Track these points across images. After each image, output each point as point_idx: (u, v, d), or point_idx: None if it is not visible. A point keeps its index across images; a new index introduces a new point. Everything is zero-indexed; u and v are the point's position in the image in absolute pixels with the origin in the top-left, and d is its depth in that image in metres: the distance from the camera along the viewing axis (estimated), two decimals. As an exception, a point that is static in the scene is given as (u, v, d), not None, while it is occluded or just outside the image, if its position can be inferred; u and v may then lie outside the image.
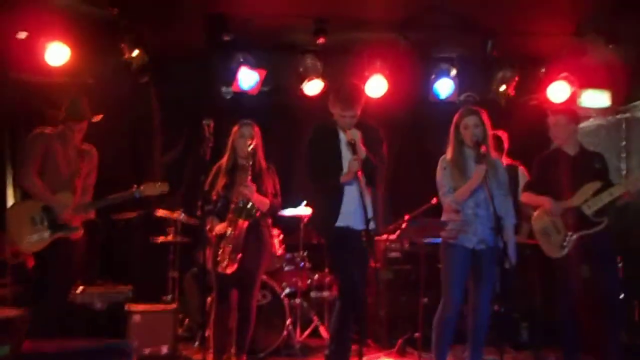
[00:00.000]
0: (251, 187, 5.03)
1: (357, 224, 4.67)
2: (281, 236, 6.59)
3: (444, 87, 7.19)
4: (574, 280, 5.30)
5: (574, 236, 5.27)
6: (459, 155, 4.92)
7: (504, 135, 6.25)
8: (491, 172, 4.80)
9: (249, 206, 5.00)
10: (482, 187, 4.79)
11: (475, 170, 4.78)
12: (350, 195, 4.71)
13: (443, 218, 5.03)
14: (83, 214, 5.33)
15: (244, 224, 5.01)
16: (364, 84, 7.09)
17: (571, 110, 5.59)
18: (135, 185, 5.29)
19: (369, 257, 4.85)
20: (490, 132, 4.97)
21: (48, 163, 5.26)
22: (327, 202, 4.82)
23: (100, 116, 5.49)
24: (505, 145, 6.22)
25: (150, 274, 7.12)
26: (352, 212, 4.72)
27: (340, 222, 4.77)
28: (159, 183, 5.44)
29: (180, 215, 6.49)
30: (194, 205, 5.51)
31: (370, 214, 4.53)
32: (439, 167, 4.95)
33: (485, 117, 4.92)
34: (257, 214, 5.06)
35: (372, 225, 4.55)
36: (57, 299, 5.22)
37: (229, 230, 5.04)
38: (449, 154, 4.96)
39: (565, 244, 5.31)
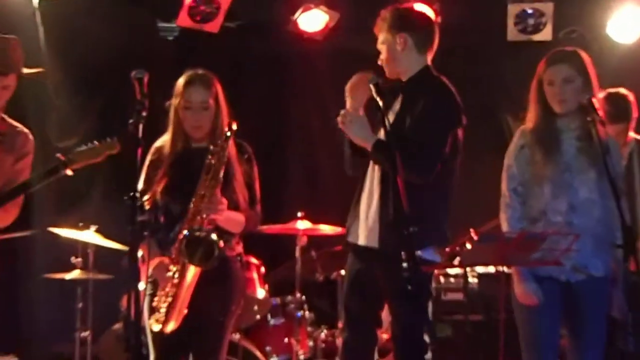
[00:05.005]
0: (221, 205, 3.55)
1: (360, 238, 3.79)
2: (263, 269, 5.28)
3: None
4: None
5: None
6: (545, 125, 3.91)
7: (630, 95, 4.70)
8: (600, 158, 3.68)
9: (209, 239, 3.49)
10: (582, 180, 3.77)
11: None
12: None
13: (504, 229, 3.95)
14: None
15: (195, 271, 3.52)
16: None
17: None
18: (62, 155, 3.61)
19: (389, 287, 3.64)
20: (596, 90, 3.78)
21: None
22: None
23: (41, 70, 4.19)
24: (635, 112, 4.71)
25: (46, 333, 5.51)
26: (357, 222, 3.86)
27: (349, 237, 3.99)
28: (103, 141, 3.66)
29: (93, 236, 5.05)
30: (115, 219, 3.81)
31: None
32: (512, 145, 3.95)
33: (586, 64, 3.83)
34: (219, 253, 3.51)
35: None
36: None
37: (172, 271, 3.57)
38: (529, 122, 3.96)
39: None
